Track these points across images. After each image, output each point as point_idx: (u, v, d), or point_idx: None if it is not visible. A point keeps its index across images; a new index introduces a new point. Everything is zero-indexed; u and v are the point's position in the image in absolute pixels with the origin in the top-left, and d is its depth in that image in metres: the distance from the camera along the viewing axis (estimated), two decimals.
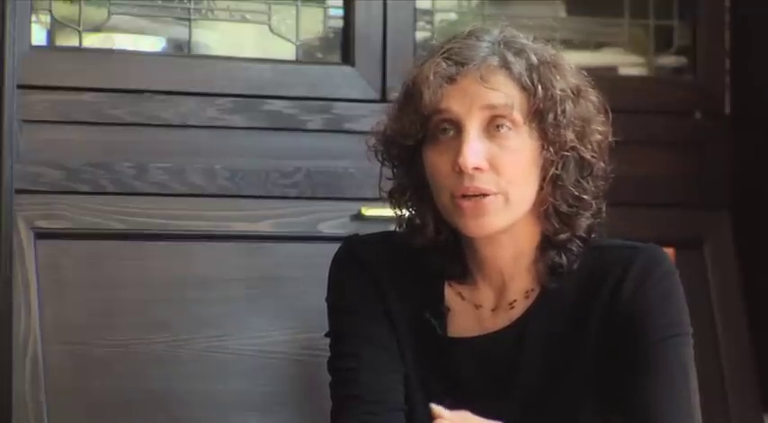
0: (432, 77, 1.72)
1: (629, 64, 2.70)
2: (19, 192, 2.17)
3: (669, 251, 1.84)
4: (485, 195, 1.72)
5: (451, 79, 1.73)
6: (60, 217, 2.23)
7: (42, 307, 2.19)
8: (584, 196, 1.77)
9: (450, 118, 1.74)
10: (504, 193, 1.73)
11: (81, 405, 2.19)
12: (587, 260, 1.79)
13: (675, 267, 1.80)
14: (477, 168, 1.71)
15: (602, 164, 1.79)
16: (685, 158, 2.65)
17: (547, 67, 1.75)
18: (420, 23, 2.52)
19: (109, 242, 2.26)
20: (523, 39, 1.78)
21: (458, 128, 1.74)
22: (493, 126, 1.73)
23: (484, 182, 1.72)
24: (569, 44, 2.60)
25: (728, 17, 2.69)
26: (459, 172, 1.71)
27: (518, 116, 1.73)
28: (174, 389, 2.24)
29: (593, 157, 1.77)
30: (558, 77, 1.75)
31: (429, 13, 2.56)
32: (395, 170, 1.84)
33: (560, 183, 1.75)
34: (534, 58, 1.75)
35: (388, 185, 1.85)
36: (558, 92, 1.74)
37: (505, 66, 1.74)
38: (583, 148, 1.76)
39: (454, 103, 1.73)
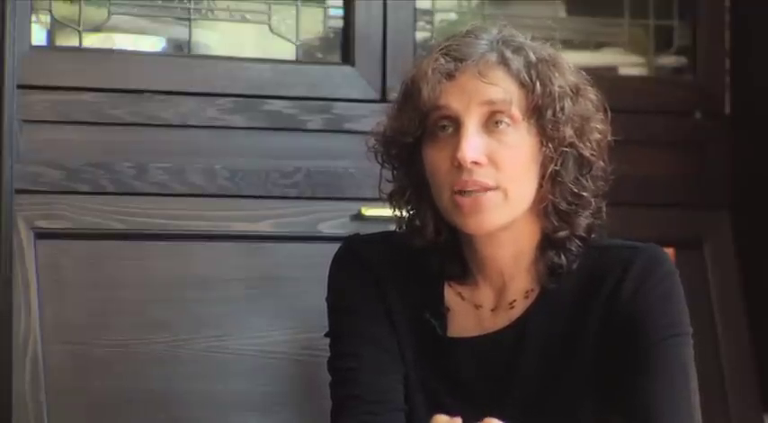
0: (430, 74, 1.72)
1: (629, 64, 2.70)
2: (19, 192, 2.17)
3: (669, 251, 1.84)
4: (484, 191, 1.72)
5: (450, 75, 1.73)
6: (60, 217, 2.23)
7: (42, 307, 2.19)
8: (584, 194, 1.77)
9: (449, 114, 1.74)
10: (504, 189, 1.73)
11: (81, 405, 2.19)
12: (587, 260, 1.79)
13: (675, 267, 1.80)
14: (475, 163, 1.71)
15: (601, 163, 1.79)
16: (685, 158, 2.65)
17: (545, 64, 1.75)
18: (420, 23, 2.52)
19: (109, 242, 2.26)
20: (521, 37, 1.78)
21: (456, 124, 1.74)
22: (492, 122, 1.73)
23: (482, 176, 1.71)
24: (569, 44, 2.60)
25: (728, 17, 2.69)
26: (459, 167, 1.71)
27: (516, 112, 1.73)
28: (174, 389, 2.24)
29: (592, 154, 1.77)
30: (556, 75, 1.75)
31: (429, 13, 2.56)
32: (394, 171, 1.84)
33: (559, 179, 1.75)
34: (533, 56, 1.75)
35: (388, 187, 1.85)
36: (557, 89, 1.74)
37: (504, 62, 1.74)
38: (582, 146, 1.75)
39: (453, 100, 1.73)
